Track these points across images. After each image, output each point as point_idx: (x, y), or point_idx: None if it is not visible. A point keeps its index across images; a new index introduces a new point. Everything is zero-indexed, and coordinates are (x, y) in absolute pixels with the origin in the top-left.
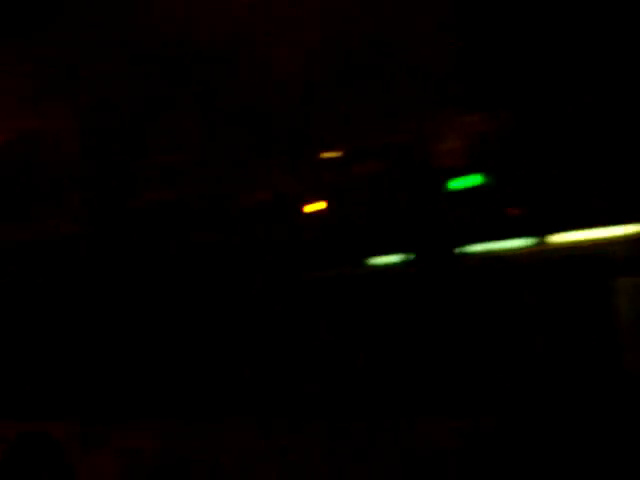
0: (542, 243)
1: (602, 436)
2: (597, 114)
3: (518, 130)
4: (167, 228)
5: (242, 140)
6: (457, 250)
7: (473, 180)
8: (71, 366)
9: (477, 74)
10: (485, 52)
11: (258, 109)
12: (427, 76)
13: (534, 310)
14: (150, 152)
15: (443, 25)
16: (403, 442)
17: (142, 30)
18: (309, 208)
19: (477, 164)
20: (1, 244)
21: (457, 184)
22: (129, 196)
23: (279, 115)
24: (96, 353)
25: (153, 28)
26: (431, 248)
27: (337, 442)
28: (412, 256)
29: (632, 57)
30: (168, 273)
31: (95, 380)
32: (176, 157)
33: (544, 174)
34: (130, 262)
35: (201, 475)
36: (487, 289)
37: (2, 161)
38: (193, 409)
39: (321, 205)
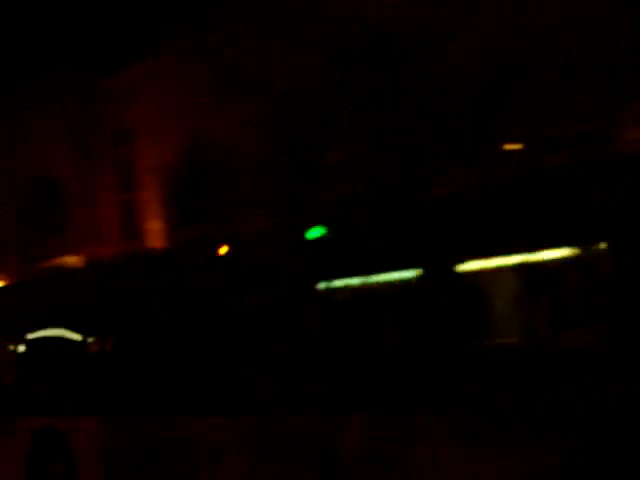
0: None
1: None
2: None
3: None
4: (354, 224)
5: (423, 135)
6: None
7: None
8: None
9: None
10: None
11: (439, 105)
12: (614, 67)
13: None
14: (333, 148)
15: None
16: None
17: (325, 29)
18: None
19: None
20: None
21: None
22: (316, 192)
23: (460, 110)
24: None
25: (335, 27)
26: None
27: None
28: None
29: None
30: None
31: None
32: (357, 153)
33: None
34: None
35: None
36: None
37: (192, 161)
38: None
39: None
